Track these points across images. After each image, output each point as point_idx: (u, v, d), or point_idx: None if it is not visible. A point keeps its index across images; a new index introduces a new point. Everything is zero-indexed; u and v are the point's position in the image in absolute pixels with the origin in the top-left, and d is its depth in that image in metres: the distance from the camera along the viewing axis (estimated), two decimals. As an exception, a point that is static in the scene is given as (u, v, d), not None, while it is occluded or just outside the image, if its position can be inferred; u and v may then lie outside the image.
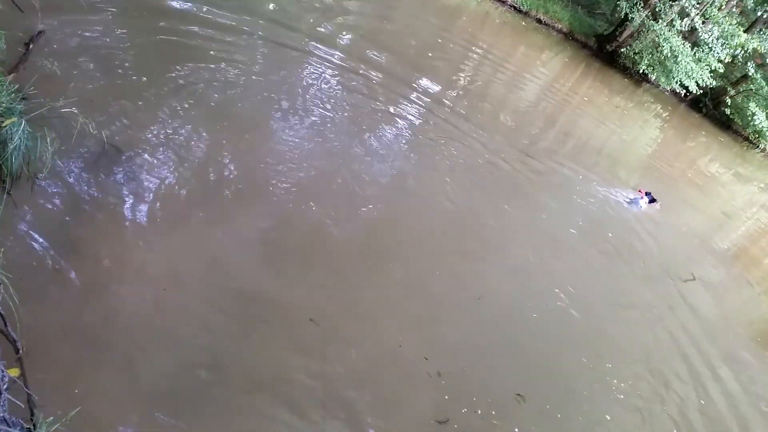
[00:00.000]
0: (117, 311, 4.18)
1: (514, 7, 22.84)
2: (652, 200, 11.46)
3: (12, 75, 4.94)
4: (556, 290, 7.25)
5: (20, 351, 3.61)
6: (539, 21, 23.01)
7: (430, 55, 12.97)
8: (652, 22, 20.21)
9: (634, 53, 20.99)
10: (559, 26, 23.27)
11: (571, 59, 20.83)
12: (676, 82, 20.73)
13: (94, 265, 4.33)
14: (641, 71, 21.02)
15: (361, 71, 9.85)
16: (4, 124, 4.08)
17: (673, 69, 20.24)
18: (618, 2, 21.47)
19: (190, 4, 8.27)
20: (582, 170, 11.49)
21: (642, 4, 20.53)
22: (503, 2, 22.68)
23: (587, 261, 8.49)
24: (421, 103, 10.19)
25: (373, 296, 5.74)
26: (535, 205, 9.26)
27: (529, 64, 17.60)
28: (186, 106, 6.36)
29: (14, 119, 4.11)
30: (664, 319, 8.02)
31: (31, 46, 5.48)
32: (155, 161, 5.45)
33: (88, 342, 3.95)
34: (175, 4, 8.16)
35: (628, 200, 11.18)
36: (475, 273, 6.90)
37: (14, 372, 3.41)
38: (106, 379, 3.87)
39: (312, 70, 9.01)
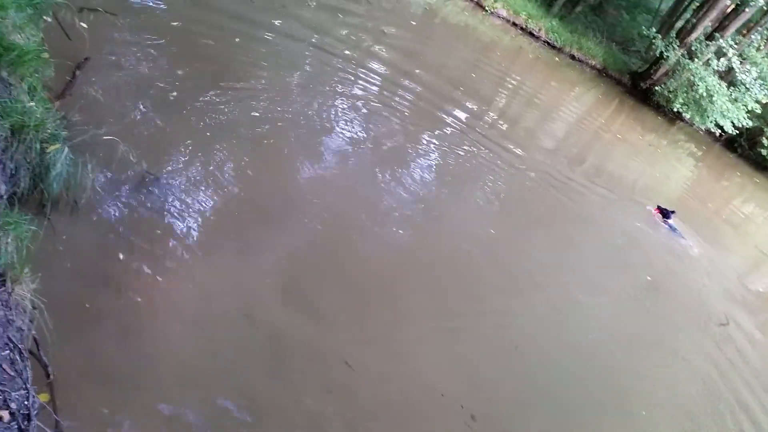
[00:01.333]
0: (148, 344, 4.16)
1: (548, 43, 22.89)
2: (666, 214, 11.28)
3: (58, 102, 5.06)
4: (593, 336, 7.10)
5: (51, 376, 3.62)
6: (573, 57, 23.01)
7: (462, 87, 13.00)
8: (687, 60, 20.08)
9: (669, 91, 20.81)
10: (593, 62, 23.23)
11: (604, 95, 20.74)
12: (711, 122, 20.50)
13: (128, 294, 4.32)
14: (675, 110, 20.84)
15: (397, 96, 10.00)
16: (48, 150, 4.15)
17: (708, 108, 20.02)
18: (653, 40, 21.37)
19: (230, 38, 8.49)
20: (615, 202, 11.39)
21: (678, 43, 20.43)
22: (537, 38, 22.77)
23: (623, 301, 8.33)
24: (455, 128, 10.28)
25: (408, 336, 5.61)
26: (568, 239, 9.14)
27: (561, 97, 17.58)
28: (225, 134, 6.41)
29: (58, 145, 4.18)
30: (703, 366, 7.78)
31: (77, 73, 5.61)
32: (193, 190, 5.47)
33: (119, 372, 3.94)
34: (218, 37, 8.31)
35: (666, 227, 11.06)
36: (512, 313, 6.77)
37: (44, 397, 3.41)
38: (136, 410, 3.85)
39: (349, 94, 9.12)
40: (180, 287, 4.65)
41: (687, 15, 24.76)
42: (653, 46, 21.58)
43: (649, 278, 9.32)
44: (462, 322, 6.14)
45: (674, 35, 21.38)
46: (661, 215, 11.29)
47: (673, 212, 11.33)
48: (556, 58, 22.23)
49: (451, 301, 6.38)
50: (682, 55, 20.33)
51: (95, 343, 4.00)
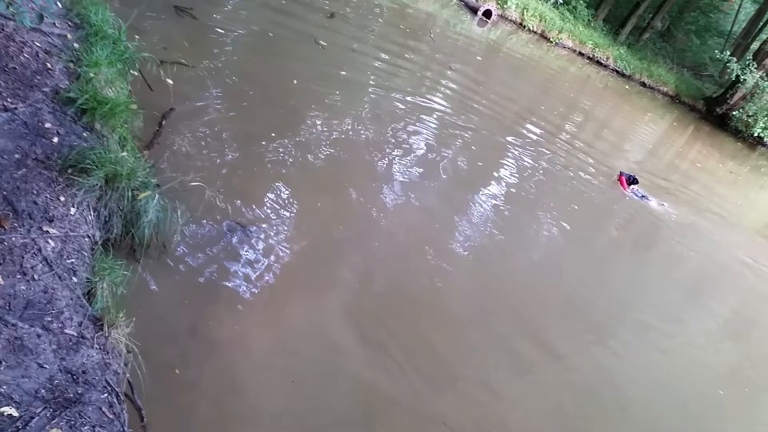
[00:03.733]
0: (239, 392, 4.18)
1: (617, 71, 22.54)
2: (634, 182, 10.80)
3: (147, 150, 5.29)
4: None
5: (144, 420, 3.70)
6: (643, 84, 22.54)
7: (532, 116, 12.88)
8: (767, 83, 19.24)
9: (748, 116, 19.99)
10: (665, 89, 22.67)
11: (678, 122, 20.10)
12: (796, 146, 19.52)
13: (217, 339, 4.39)
14: (756, 134, 19.95)
15: (468, 131, 10.01)
16: (139, 197, 4.32)
17: (792, 131, 19.09)
18: (727, 64, 20.67)
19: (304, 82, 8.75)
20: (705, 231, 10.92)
21: (755, 65, 19.65)
22: (605, 66, 22.46)
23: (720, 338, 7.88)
24: (527, 156, 10.16)
25: (506, 389, 5.37)
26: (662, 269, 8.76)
27: (634, 125, 17.15)
28: (302, 174, 6.56)
29: (149, 193, 4.35)
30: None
31: (163, 123, 5.87)
32: (275, 233, 5.54)
33: (210, 420, 3.98)
34: (295, 81, 8.57)
35: (634, 195, 10.64)
36: (617, 356, 6.47)
37: (139, 440, 3.49)
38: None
39: (419, 128, 9.22)
40: (264, 337, 4.64)
41: (763, 36, 23.86)
42: (728, 70, 20.90)
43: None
44: (562, 370, 5.89)
45: (750, 57, 20.60)
46: (627, 183, 10.80)
47: (636, 180, 10.95)
48: (626, 86, 21.78)
49: (550, 344, 6.12)
50: (761, 77, 19.51)
51: (183, 389, 4.06)
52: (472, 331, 5.81)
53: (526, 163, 9.99)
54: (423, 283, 6.05)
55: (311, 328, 4.91)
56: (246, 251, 5.18)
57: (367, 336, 5.10)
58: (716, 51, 22.72)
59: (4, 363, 3.00)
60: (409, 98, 10.27)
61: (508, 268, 7.12)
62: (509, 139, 10.68)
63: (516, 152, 10.27)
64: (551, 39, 22.06)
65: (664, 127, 18.92)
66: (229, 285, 4.81)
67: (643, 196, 10.84)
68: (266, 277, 5.06)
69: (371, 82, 10.11)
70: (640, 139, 15.95)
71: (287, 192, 6.16)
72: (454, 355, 5.42)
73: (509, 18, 21.78)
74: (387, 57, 11.69)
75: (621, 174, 11.01)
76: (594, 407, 5.71)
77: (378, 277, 5.85)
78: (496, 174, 9.22)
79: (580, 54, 22.67)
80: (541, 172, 9.90)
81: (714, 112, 21.64)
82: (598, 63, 22.80)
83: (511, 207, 8.49)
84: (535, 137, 11.44)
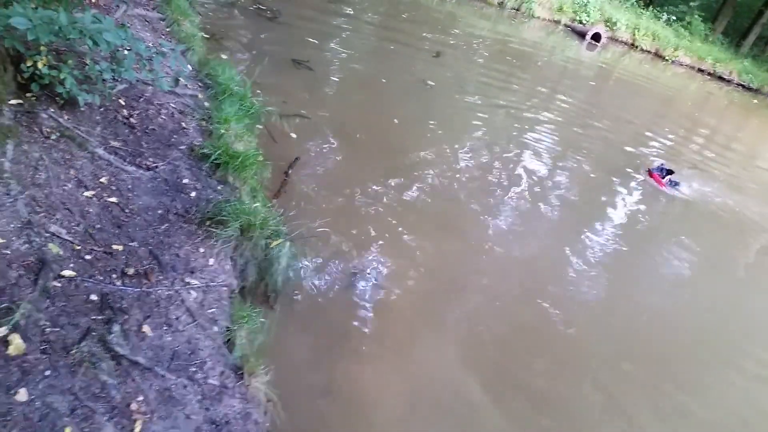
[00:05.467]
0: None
1: (742, 85, 21.08)
2: (669, 172, 9.54)
3: (275, 199, 5.45)
4: None
5: (284, 469, 3.68)
6: (775, 97, 20.90)
7: (651, 140, 12.16)
8: None
9: None
10: (801, 100, 20.86)
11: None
12: None
13: (345, 394, 4.34)
14: None
15: (579, 155, 9.64)
16: (272, 245, 4.41)
17: None
18: None
19: (422, 118, 8.78)
20: None
21: None
22: (728, 81, 21.09)
23: None
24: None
25: None
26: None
27: (764, 141, 15.84)
28: (418, 214, 6.52)
29: (281, 240, 4.44)
30: None
31: (289, 172, 6.05)
32: (394, 276, 5.49)
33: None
34: (407, 124, 8.64)
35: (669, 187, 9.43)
36: None
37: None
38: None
39: (532, 157, 8.99)
40: (395, 388, 4.54)
41: None
42: None
43: None
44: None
45: None
46: (660, 176, 9.51)
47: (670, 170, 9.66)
48: (755, 101, 20.28)
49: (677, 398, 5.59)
50: None
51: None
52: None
53: (648, 189, 9.36)
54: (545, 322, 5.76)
55: (441, 381, 4.74)
56: (368, 296, 5.13)
57: (498, 386, 4.87)
58: None
59: (156, 414, 3.08)
60: (516, 125, 10.20)
61: (640, 305, 6.61)
62: (626, 162, 10.08)
63: (637, 177, 9.66)
64: (666, 57, 21.04)
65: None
66: (357, 332, 4.76)
67: (675, 183, 9.62)
68: (388, 323, 4.97)
69: (479, 117, 10.01)
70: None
71: (403, 234, 6.11)
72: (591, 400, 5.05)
73: (620, 39, 21.04)
74: (494, 91, 11.58)
75: (650, 171, 9.80)
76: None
77: (497, 323, 5.60)
78: (615, 202, 8.71)
79: (700, 70, 21.42)
80: (663, 200, 9.22)
81: None
82: (720, 78, 21.42)
83: (632, 237, 8.01)
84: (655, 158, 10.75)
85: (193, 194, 4.62)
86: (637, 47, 21.14)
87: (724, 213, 9.60)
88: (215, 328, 3.83)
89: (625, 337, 5.98)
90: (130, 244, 3.95)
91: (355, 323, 4.82)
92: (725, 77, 21.48)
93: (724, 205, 9.84)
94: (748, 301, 7.48)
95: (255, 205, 4.67)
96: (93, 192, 4.14)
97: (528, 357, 5.27)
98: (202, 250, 4.20)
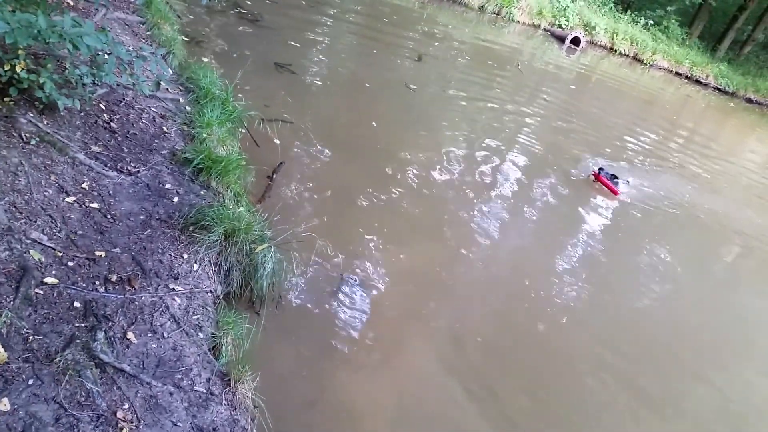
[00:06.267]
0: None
1: (718, 89, 21.42)
2: (613, 177, 9.12)
3: (259, 204, 5.42)
4: None
5: (273, 475, 3.65)
6: (750, 100, 21.26)
7: (630, 142, 12.28)
8: None
9: None
10: (775, 103, 21.25)
11: (792, 137, 18.67)
12: None
13: (337, 393, 4.31)
14: None
15: (562, 159, 9.63)
16: (257, 251, 4.38)
17: None
18: None
19: (403, 121, 8.79)
20: None
21: None
22: (705, 85, 21.43)
23: None
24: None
25: None
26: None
27: (740, 142, 16.11)
28: (404, 220, 6.50)
29: (265, 245, 4.41)
30: None
31: (274, 177, 6.01)
32: (380, 281, 5.47)
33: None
34: (382, 130, 8.62)
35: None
36: None
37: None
38: None
39: (514, 162, 8.97)
40: (384, 396, 4.52)
41: None
42: None
43: None
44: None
45: None
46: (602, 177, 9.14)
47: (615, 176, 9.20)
48: (731, 104, 20.62)
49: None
50: None
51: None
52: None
53: (631, 191, 9.44)
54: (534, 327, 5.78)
55: (428, 384, 4.72)
56: (354, 301, 5.09)
57: (484, 393, 4.85)
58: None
59: (142, 422, 3.04)
60: (496, 124, 10.24)
61: (625, 307, 6.67)
62: (606, 164, 10.14)
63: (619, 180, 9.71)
64: (644, 61, 21.33)
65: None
66: (343, 336, 4.72)
67: (613, 176, 9.20)
68: (375, 328, 4.94)
69: (460, 119, 10.08)
70: (746, 160, 14.83)
71: (388, 238, 6.09)
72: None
73: (598, 43, 21.28)
74: (476, 93, 11.62)
75: (596, 174, 9.25)
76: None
77: (486, 327, 5.61)
78: (595, 205, 8.76)
79: (677, 74, 21.75)
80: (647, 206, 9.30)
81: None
82: (698, 82, 21.78)
83: (615, 239, 8.09)
84: (637, 162, 10.89)
85: (175, 199, 4.58)
86: (615, 51, 21.39)
87: (703, 215, 9.74)
88: (201, 335, 3.80)
89: (612, 338, 6.02)
90: (112, 250, 3.90)
91: (341, 328, 4.78)
92: (702, 81, 21.82)
93: (706, 209, 10.00)
94: (728, 301, 7.60)
95: (239, 210, 4.64)
96: (74, 198, 4.08)
97: (514, 363, 5.27)
98: (185, 255, 4.16)
